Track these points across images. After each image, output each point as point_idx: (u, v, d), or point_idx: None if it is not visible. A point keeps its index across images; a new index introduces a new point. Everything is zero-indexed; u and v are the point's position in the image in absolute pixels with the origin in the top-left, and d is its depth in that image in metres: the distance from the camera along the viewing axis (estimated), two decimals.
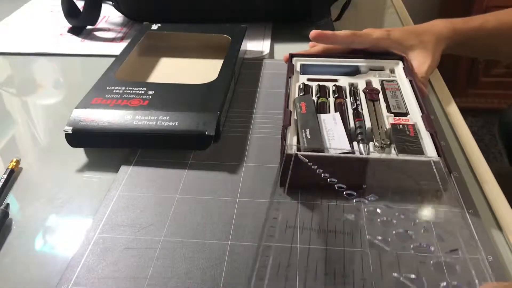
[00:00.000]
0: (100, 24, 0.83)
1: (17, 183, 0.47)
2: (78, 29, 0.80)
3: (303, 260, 0.37)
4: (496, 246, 0.39)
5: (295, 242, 0.39)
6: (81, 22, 0.80)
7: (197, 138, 0.49)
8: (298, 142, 0.47)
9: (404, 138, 0.47)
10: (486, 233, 0.40)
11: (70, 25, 0.80)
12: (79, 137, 0.50)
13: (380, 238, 0.38)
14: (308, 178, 0.44)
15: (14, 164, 0.48)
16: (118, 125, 0.49)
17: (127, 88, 0.55)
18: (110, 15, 0.86)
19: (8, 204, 0.44)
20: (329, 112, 0.52)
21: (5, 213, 0.42)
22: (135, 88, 0.55)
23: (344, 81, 0.58)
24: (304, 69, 0.61)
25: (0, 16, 0.86)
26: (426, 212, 0.41)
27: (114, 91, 0.54)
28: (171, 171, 0.48)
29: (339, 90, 0.56)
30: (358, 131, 0.48)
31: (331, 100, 0.54)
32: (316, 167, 0.44)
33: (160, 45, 0.70)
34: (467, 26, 0.64)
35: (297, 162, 0.44)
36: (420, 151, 0.45)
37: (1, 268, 0.38)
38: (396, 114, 0.51)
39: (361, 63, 0.62)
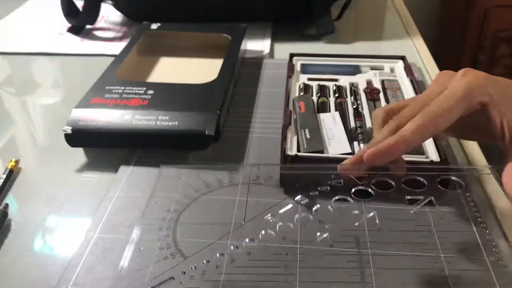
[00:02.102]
0: (99, 23, 0.82)
1: (16, 183, 0.47)
2: (77, 29, 0.80)
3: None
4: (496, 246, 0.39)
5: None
6: (81, 21, 0.80)
7: (197, 138, 0.48)
8: (298, 142, 0.47)
9: None
10: (486, 232, 0.40)
11: (70, 25, 0.80)
12: (79, 137, 0.49)
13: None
14: (308, 178, 0.44)
15: (13, 164, 0.48)
16: (117, 125, 0.49)
17: (127, 88, 0.54)
18: (109, 14, 0.86)
19: (7, 204, 0.43)
20: (330, 112, 0.52)
21: (4, 213, 0.42)
22: (135, 88, 0.55)
23: (344, 81, 0.58)
24: (305, 69, 0.61)
25: (0, 16, 0.86)
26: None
27: (114, 90, 0.54)
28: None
29: (339, 89, 0.56)
30: (359, 131, 0.48)
31: (332, 99, 0.54)
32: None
33: (160, 44, 0.70)
34: None
35: (297, 163, 0.44)
36: (421, 151, 0.45)
37: (1, 268, 0.38)
38: None
39: (361, 62, 0.62)
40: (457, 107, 0.35)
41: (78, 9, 0.80)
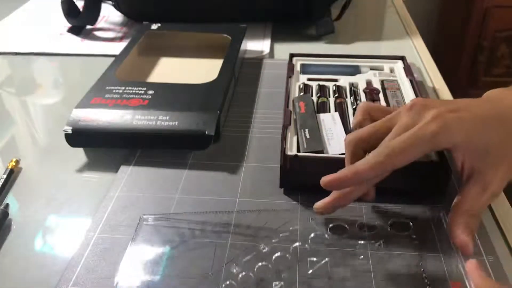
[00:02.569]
0: (99, 23, 0.83)
1: (16, 183, 0.47)
2: (77, 29, 0.80)
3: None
4: (495, 246, 0.39)
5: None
6: (81, 21, 0.80)
7: (197, 138, 0.48)
8: (297, 142, 0.47)
9: None
10: (486, 233, 0.40)
11: (70, 25, 0.80)
12: (79, 137, 0.49)
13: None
14: (308, 178, 0.44)
15: (14, 164, 0.48)
16: (117, 125, 0.49)
17: (127, 88, 0.55)
18: (109, 14, 0.86)
19: (7, 204, 0.43)
20: (329, 112, 0.52)
21: (5, 213, 0.42)
22: (135, 88, 0.55)
23: (344, 81, 0.58)
24: (304, 69, 0.61)
25: (0, 16, 0.86)
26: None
27: (114, 91, 0.54)
28: (171, 171, 0.48)
29: (339, 90, 0.56)
30: None
31: (331, 100, 0.54)
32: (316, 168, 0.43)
33: (160, 45, 0.70)
34: None
35: (297, 163, 0.44)
36: None
37: (1, 268, 0.38)
38: None
39: (361, 63, 0.62)
40: (420, 150, 0.37)
41: (78, 10, 0.80)
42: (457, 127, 0.37)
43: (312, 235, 0.39)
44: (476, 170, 0.37)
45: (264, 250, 0.37)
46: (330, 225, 0.39)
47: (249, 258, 0.37)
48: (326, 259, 0.36)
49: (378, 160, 0.36)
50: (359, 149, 0.40)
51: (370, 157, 0.37)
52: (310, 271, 0.35)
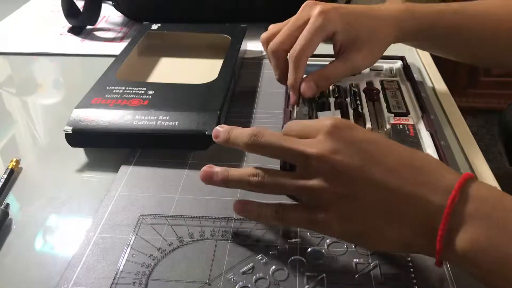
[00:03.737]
0: (100, 24, 0.83)
1: (17, 183, 0.47)
2: (78, 29, 0.80)
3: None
4: None
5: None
6: (81, 22, 0.80)
7: (197, 138, 0.49)
8: None
9: (404, 138, 0.47)
10: None
11: (70, 25, 0.80)
12: (79, 137, 0.50)
13: None
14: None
15: (14, 164, 0.48)
16: (118, 125, 0.49)
17: (127, 88, 0.55)
18: (110, 15, 0.86)
19: (8, 204, 0.44)
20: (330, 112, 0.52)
21: (5, 213, 0.42)
22: (135, 88, 0.55)
23: (344, 81, 0.58)
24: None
25: (0, 16, 0.86)
26: None
27: (114, 91, 0.54)
28: (171, 171, 0.48)
29: (339, 90, 0.56)
30: None
31: (331, 100, 0.54)
32: None
33: (160, 45, 0.70)
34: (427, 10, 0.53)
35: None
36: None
37: (1, 268, 0.38)
38: (396, 114, 0.51)
39: None
40: (317, 38, 0.49)
41: (78, 10, 0.80)
42: (338, 19, 0.49)
43: (310, 249, 0.38)
44: (345, 50, 0.51)
45: (262, 261, 0.37)
46: (329, 241, 0.39)
47: (246, 269, 0.37)
48: (323, 274, 0.36)
49: (296, 59, 0.50)
50: (282, 54, 0.52)
51: (291, 61, 0.50)
52: (306, 287, 0.35)
